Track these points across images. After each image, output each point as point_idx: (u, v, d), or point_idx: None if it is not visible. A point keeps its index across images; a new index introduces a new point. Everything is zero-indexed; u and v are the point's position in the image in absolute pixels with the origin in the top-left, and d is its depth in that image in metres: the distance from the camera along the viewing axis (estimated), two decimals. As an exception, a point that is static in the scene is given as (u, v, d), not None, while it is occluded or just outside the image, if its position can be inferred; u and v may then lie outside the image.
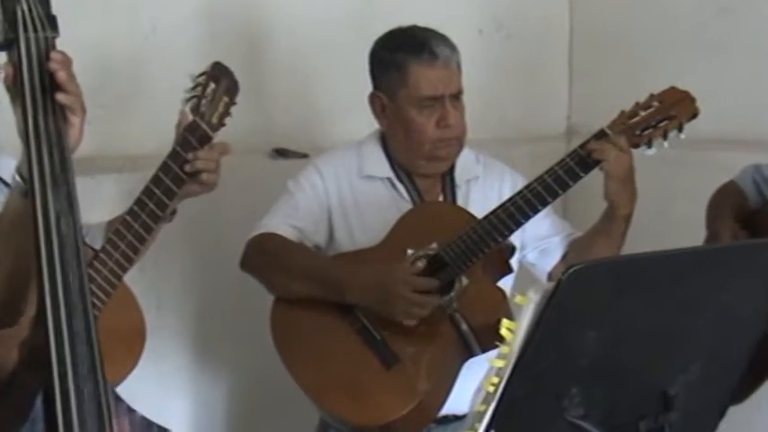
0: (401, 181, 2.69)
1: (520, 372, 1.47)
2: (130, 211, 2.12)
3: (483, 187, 2.73)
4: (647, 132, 2.48)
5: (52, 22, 1.63)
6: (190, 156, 2.14)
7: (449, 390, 2.51)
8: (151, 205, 2.12)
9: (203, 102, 2.19)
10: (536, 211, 2.49)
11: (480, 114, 2.93)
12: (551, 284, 1.44)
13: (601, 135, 2.47)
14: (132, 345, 2.32)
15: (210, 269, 3.27)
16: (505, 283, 2.59)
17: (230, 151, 2.18)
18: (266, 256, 2.61)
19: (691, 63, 3.61)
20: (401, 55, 2.61)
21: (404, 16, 2.75)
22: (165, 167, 2.13)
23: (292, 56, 3.55)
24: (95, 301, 2.03)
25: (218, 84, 2.22)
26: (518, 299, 1.48)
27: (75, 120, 1.63)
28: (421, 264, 2.53)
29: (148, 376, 2.49)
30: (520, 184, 2.61)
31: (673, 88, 2.50)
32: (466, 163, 2.73)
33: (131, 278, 2.23)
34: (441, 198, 2.71)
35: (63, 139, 1.60)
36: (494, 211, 2.50)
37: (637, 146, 2.48)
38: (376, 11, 3.52)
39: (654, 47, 3.80)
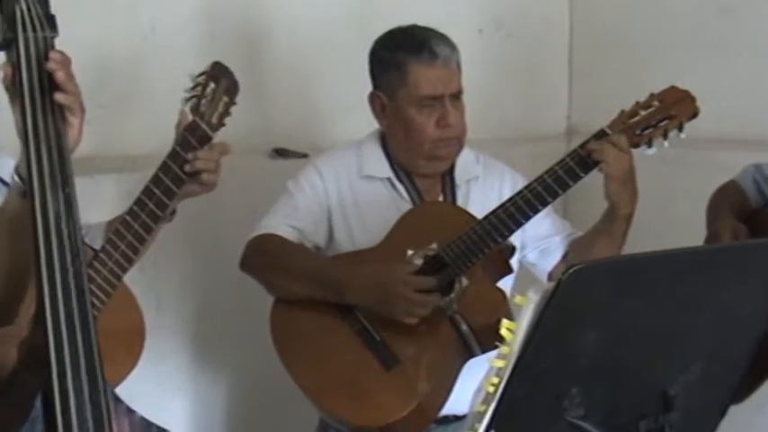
0: (401, 181, 2.68)
1: (520, 372, 1.46)
2: (130, 212, 2.12)
3: (483, 187, 2.72)
4: (647, 132, 2.47)
5: (51, 21, 1.63)
6: (190, 156, 2.13)
7: (449, 390, 2.50)
8: (151, 205, 2.11)
9: (203, 102, 2.19)
10: (536, 212, 2.48)
11: (480, 114, 2.93)
12: (551, 284, 1.44)
13: (601, 135, 2.47)
14: (132, 345, 2.32)
15: (210, 269, 3.27)
16: (505, 284, 2.59)
17: (230, 151, 2.18)
18: (266, 257, 2.60)
19: (691, 63, 3.61)
20: (401, 54, 2.61)
21: (404, 16, 2.75)
22: (164, 167, 2.13)
23: (292, 56, 3.55)
24: (95, 302, 2.03)
25: (218, 84, 2.22)
26: (518, 299, 1.48)
27: (74, 120, 1.63)
28: (419, 261, 2.53)
29: (148, 377, 2.49)
30: (520, 184, 2.61)
31: (673, 88, 2.49)
32: (466, 163, 2.73)
33: (131, 278, 2.22)
34: (440, 198, 2.71)
35: (62, 139, 1.60)
36: (494, 212, 2.50)
37: (637, 145, 2.47)
38: (376, 10, 3.52)
39: (654, 47, 3.80)
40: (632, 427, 1.64)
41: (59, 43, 1.63)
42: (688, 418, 1.67)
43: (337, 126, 3.53)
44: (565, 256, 2.70)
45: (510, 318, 1.50)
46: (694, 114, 2.46)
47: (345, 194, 2.68)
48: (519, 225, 2.49)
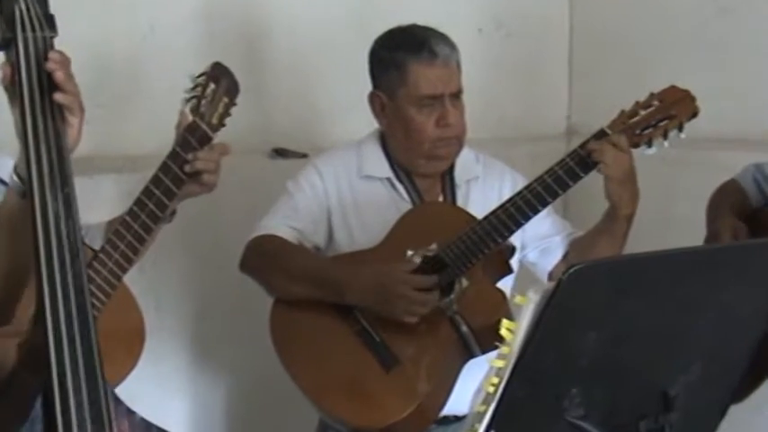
0: (401, 181, 2.68)
1: (520, 372, 1.46)
2: (130, 212, 2.12)
3: (483, 187, 2.72)
4: (647, 132, 2.47)
5: (50, 21, 1.63)
6: (190, 156, 2.13)
7: (449, 391, 2.50)
8: (151, 206, 2.11)
9: (203, 102, 2.19)
10: (536, 212, 2.48)
11: (480, 114, 2.93)
12: (551, 284, 1.44)
13: (601, 135, 2.47)
14: (131, 345, 2.32)
15: (210, 270, 3.27)
16: (505, 284, 2.59)
17: (230, 152, 2.18)
18: (265, 258, 2.60)
19: (691, 62, 3.61)
20: (401, 54, 2.60)
21: (403, 15, 2.74)
22: (164, 168, 2.13)
23: (292, 56, 3.55)
24: (95, 302, 2.03)
25: (218, 84, 2.22)
26: (518, 299, 1.48)
27: (73, 120, 1.63)
28: (417, 259, 2.52)
29: (147, 377, 2.48)
30: (520, 183, 2.61)
31: (673, 87, 2.49)
32: (466, 162, 2.73)
33: (130, 279, 2.22)
34: (440, 198, 2.70)
35: (61, 139, 1.60)
36: (493, 212, 2.50)
37: (637, 145, 2.47)
38: (375, 10, 3.52)
39: (654, 46, 3.79)
40: (632, 428, 1.64)
41: (59, 43, 1.63)
42: (688, 419, 1.67)
43: (337, 126, 3.53)
44: (565, 256, 2.69)
45: (510, 318, 1.50)
46: (694, 114, 2.46)
47: (345, 194, 2.68)
48: (519, 225, 2.49)
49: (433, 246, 2.53)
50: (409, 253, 2.54)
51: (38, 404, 1.56)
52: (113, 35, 3.23)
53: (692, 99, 2.47)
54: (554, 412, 1.55)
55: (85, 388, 1.52)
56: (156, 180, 2.12)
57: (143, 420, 1.67)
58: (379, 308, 2.48)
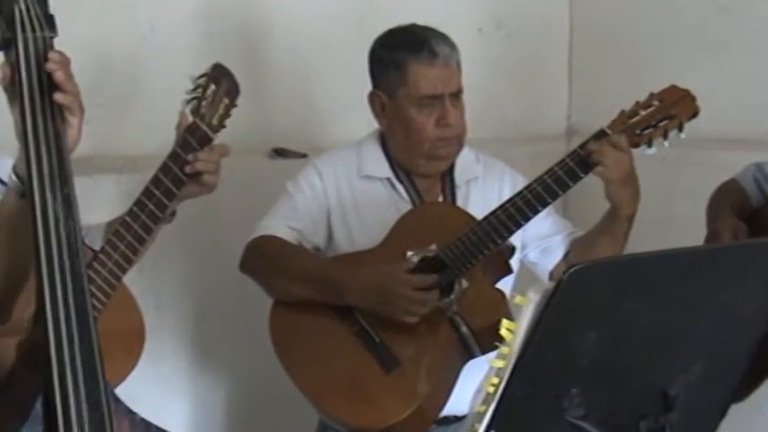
0: (400, 181, 2.68)
1: (520, 372, 1.46)
2: (130, 212, 2.12)
3: (483, 187, 2.72)
4: (647, 132, 2.47)
5: (50, 21, 1.63)
6: (190, 157, 2.13)
7: (449, 392, 2.50)
8: (150, 206, 2.11)
9: (203, 103, 2.19)
10: (536, 212, 2.48)
11: (480, 114, 2.93)
12: (551, 284, 1.44)
13: (601, 135, 2.46)
14: (131, 346, 2.32)
15: (209, 270, 3.27)
16: (505, 284, 2.59)
17: (230, 153, 2.18)
18: (265, 259, 2.60)
19: (691, 62, 3.61)
20: (401, 54, 2.60)
21: (403, 15, 2.74)
22: (164, 168, 2.13)
23: (292, 56, 3.55)
24: (95, 302, 2.03)
25: (219, 85, 2.22)
26: (518, 299, 1.48)
27: (73, 120, 1.62)
28: (416, 259, 2.52)
29: (147, 377, 2.48)
30: (520, 184, 2.61)
31: (673, 87, 2.49)
32: (466, 162, 2.72)
33: (130, 279, 2.22)
34: (440, 198, 2.70)
35: (61, 140, 1.60)
36: (493, 212, 2.49)
37: (637, 145, 2.47)
38: (375, 10, 3.52)
39: (654, 46, 3.79)
40: (632, 428, 1.64)
41: (58, 43, 1.63)
42: (688, 419, 1.67)
43: (337, 126, 3.53)
44: (566, 256, 2.69)
45: (510, 318, 1.50)
46: (694, 114, 2.46)
47: (345, 195, 2.67)
48: (519, 226, 2.49)
49: (433, 246, 2.53)
50: (409, 253, 2.54)
51: (38, 404, 1.56)
52: (113, 35, 3.23)
53: (693, 99, 2.46)
54: (554, 412, 1.55)
55: (86, 388, 1.52)
56: (156, 181, 2.12)
57: (143, 420, 1.67)
58: (378, 308, 2.48)
